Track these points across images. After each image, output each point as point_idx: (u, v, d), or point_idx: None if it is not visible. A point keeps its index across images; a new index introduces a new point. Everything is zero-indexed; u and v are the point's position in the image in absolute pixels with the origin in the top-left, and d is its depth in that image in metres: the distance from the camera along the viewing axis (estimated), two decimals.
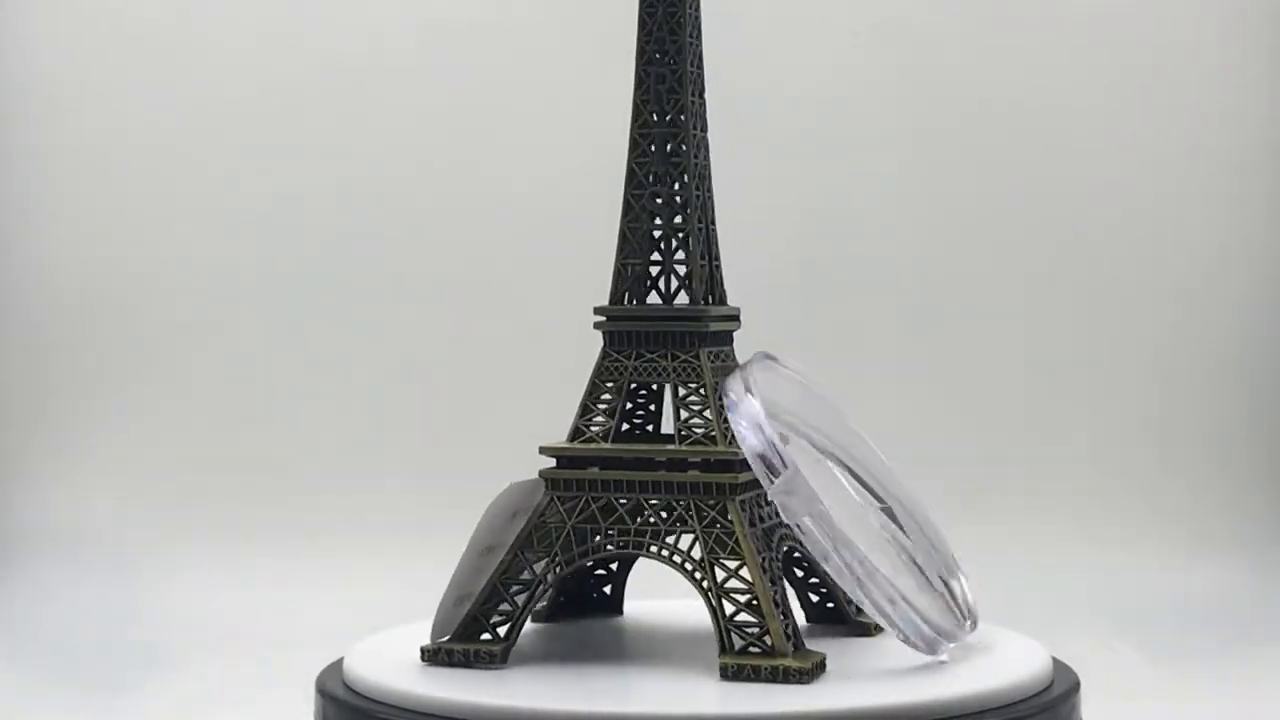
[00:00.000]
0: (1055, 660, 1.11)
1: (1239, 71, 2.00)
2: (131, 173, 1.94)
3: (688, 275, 1.12)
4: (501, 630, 1.08)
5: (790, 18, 1.94)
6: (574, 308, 1.88)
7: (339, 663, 1.12)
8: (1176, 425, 1.97)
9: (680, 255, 1.12)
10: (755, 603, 1.03)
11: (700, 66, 1.13)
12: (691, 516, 1.07)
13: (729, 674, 1.02)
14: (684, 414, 1.10)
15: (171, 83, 1.94)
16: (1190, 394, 1.98)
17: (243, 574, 1.83)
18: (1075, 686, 1.08)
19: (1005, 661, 1.08)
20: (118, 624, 1.74)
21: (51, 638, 1.72)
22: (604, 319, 1.13)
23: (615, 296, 1.13)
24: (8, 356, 1.93)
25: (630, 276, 1.12)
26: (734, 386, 1.05)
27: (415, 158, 1.95)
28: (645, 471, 1.09)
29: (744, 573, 1.05)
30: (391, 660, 1.09)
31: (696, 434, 1.09)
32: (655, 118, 1.13)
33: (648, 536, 1.08)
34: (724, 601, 1.04)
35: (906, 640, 1.06)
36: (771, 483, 1.02)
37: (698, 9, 1.13)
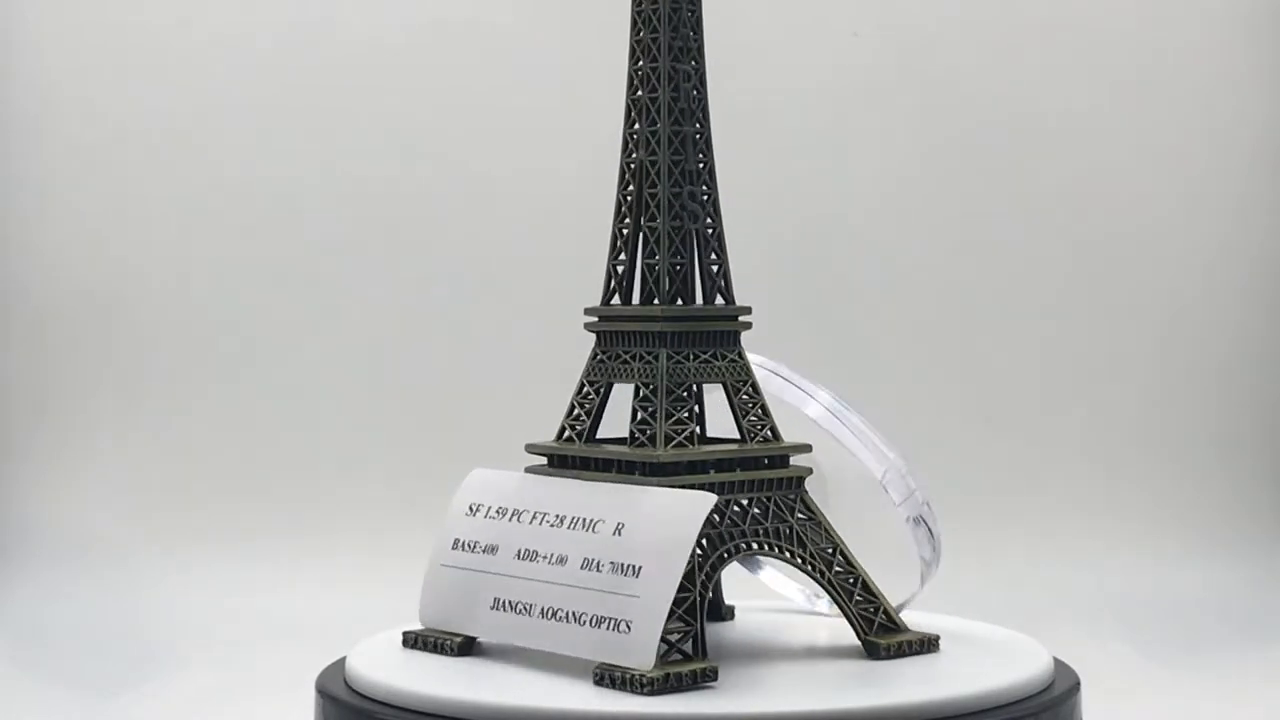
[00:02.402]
0: (1055, 660, 1.11)
1: (1241, 73, 2.00)
2: (131, 173, 1.94)
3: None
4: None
5: (790, 18, 1.93)
6: (575, 308, 1.88)
7: (339, 663, 1.12)
8: (1178, 425, 1.97)
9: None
10: (866, 585, 1.09)
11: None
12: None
13: (887, 653, 1.07)
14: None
15: (172, 82, 1.94)
16: (1191, 394, 1.98)
17: (243, 574, 1.83)
18: (1075, 686, 1.08)
19: (1005, 661, 1.08)
20: (118, 624, 1.74)
21: (52, 638, 1.72)
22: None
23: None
24: (8, 356, 1.93)
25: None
26: None
27: (415, 158, 1.95)
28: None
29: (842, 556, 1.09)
30: (391, 660, 1.09)
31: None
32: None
33: None
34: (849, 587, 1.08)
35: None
36: None
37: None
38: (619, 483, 1.07)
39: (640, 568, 1.03)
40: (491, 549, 1.10)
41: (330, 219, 1.94)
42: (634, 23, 1.13)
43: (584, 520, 1.07)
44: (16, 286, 1.94)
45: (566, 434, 1.13)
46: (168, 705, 1.54)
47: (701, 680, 1.00)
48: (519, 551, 1.08)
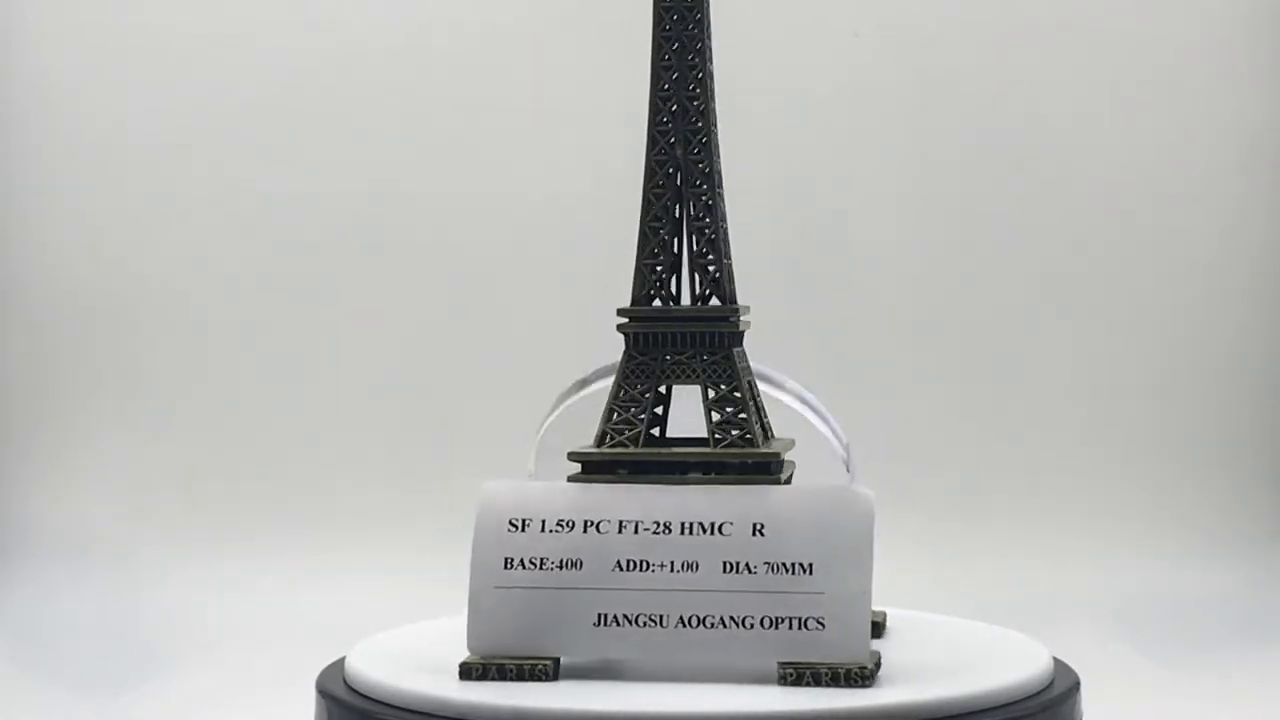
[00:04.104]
0: (1055, 660, 1.11)
1: (1241, 72, 2.00)
2: (131, 173, 1.94)
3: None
4: None
5: (789, 18, 1.93)
6: (576, 307, 1.89)
7: (339, 663, 1.12)
8: (1178, 425, 1.97)
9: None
10: None
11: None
12: None
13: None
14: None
15: (172, 82, 1.94)
16: (1191, 394, 1.98)
17: (243, 574, 1.83)
18: (1075, 686, 1.08)
19: (1005, 661, 1.08)
20: (118, 624, 1.74)
21: (52, 638, 1.72)
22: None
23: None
24: (8, 356, 1.93)
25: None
26: None
27: (415, 159, 1.95)
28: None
29: None
30: (392, 660, 1.09)
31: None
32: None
33: None
34: None
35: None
36: None
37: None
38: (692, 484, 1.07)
39: (811, 564, 1.02)
40: (573, 563, 1.04)
41: (330, 219, 1.94)
42: (658, 19, 1.12)
43: (701, 524, 1.04)
44: (16, 286, 1.94)
45: (614, 438, 1.09)
46: (168, 705, 1.54)
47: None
48: (619, 563, 1.04)
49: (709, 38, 1.11)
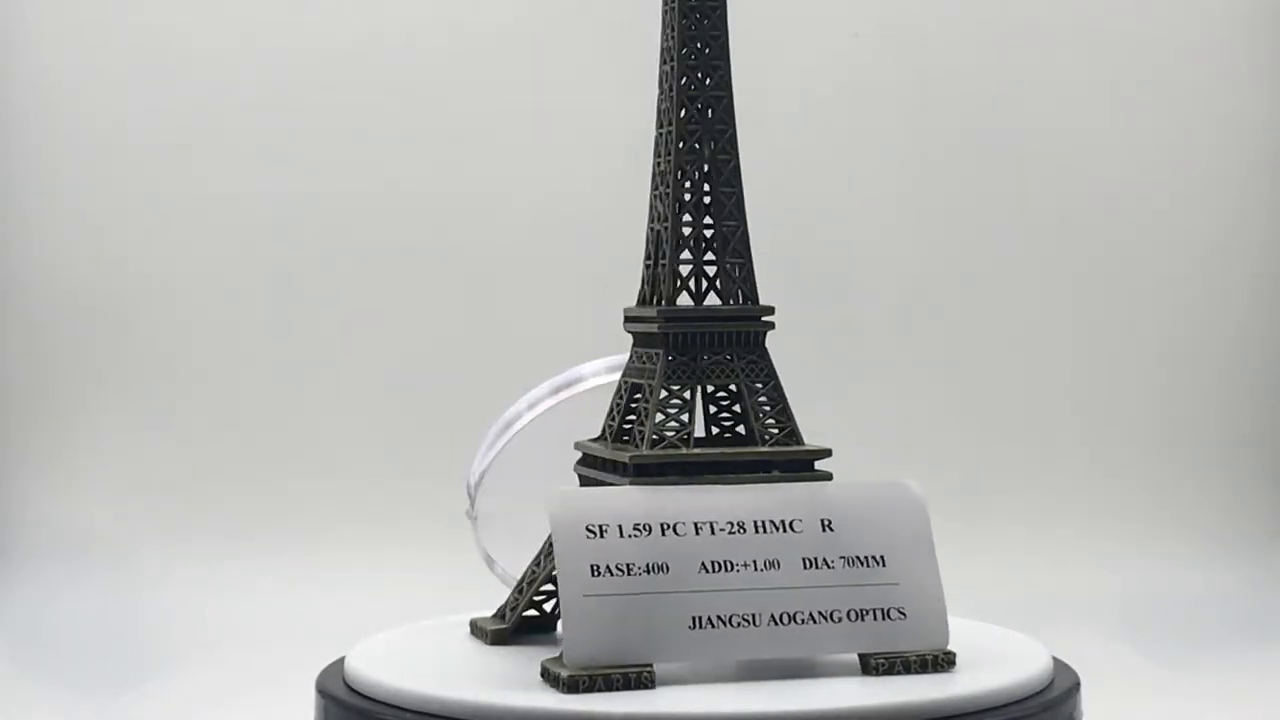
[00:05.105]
0: (1055, 660, 1.11)
1: (1241, 73, 2.00)
2: (131, 173, 1.94)
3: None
4: None
5: (790, 18, 1.93)
6: (577, 307, 1.89)
7: (339, 663, 1.12)
8: (1178, 425, 1.97)
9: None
10: None
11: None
12: None
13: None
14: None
15: (172, 82, 1.94)
16: (1192, 394, 1.98)
17: (243, 574, 1.83)
18: (1075, 686, 1.08)
19: (1005, 661, 1.08)
20: (118, 623, 1.74)
21: (52, 638, 1.72)
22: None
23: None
24: (8, 356, 1.93)
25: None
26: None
27: (415, 159, 1.95)
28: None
29: None
30: (392, 660, 1.09)
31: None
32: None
33: None
34: None
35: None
36: None
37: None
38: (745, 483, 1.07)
39: (883, 557, 1.05)
40: (659, 567, 1.02)
41: (330, 219, 1.94)
42: (662, 22, 1.12)
43: (772, 522, 1.05)
44: (16, 286, 1.94)
45: (664, 440, 1.08)
46: (168, 705, 1.54)
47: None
48: (703, 565, 1.03)
49: (728, 37, 1.12)
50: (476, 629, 1.16)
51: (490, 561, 1.24)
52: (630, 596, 1.01)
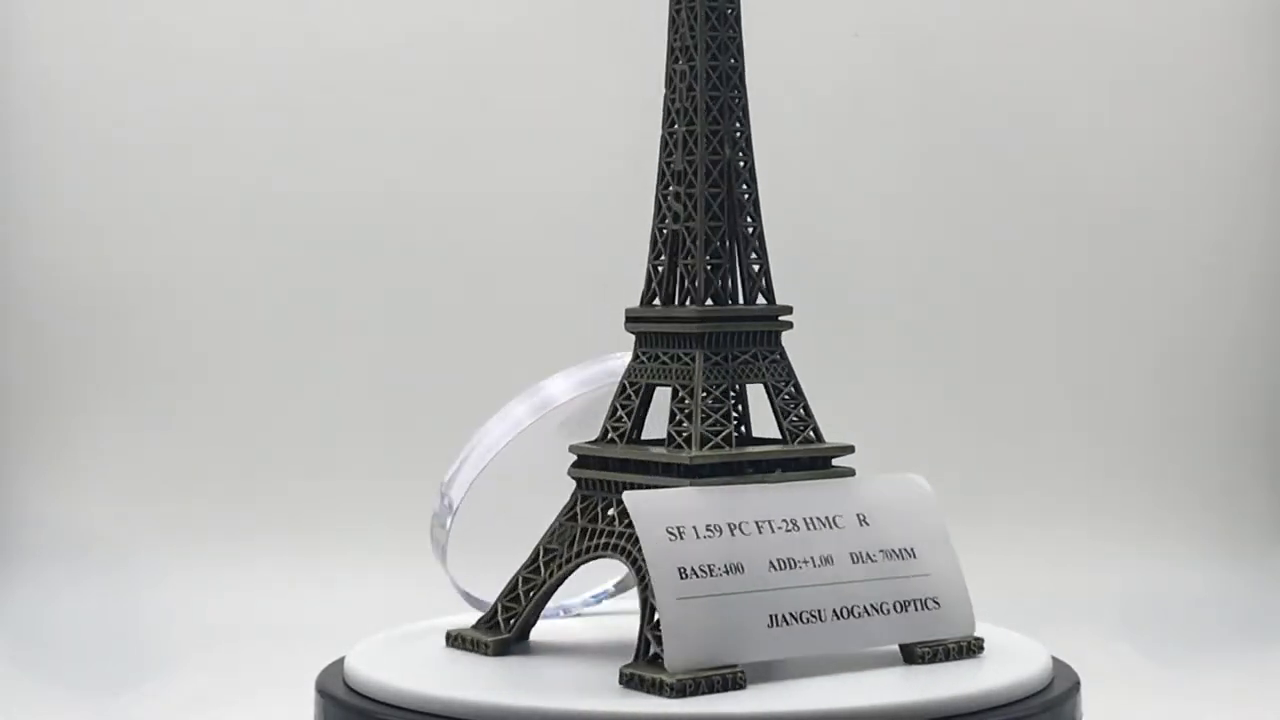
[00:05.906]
0: (1055, 660, 1.11)
1: (1241, 73, 2.00)
2: (131, 173, 1.94)
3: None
4: None
5: (790, 18, 1.93)
6: (578, 307, 1.89)
7: (339, 663, 1.12)
8: (1178, 425, 1.97)
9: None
10: None
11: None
12: None
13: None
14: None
15: (172, 82, 1.94)
16: (1192, 393, 1.98)
17: (242, 574, 1.83)
18: (1075, 686, 1.08)
19: (1005, 661, 1.08)
20: (118, 623, 1.74)
21: (52, 638, 1.72)
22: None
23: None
24: (8, 356, 1.93)
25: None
26: None
27: (415, 159, 1.95)
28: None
29: None
30: (392, 660, 1.09)
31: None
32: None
33: None
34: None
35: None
36: None
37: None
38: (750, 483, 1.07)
39: (913, 548, 1.09)
40: (735, 568, 1.03)
41: (330, 219, 1.94)
42: (672, 20, 1.12)
43: (819, 519, 1.07)
44: (16, 286, 1.94)
45: (711, 441, 1.08)
46: (168, 705, 1.54)
47: None
48: (772, 563, 1.04)
49: (734, 38, 1.12)
50: (463, 640, 1.14)
51: (454, 581, 1.22)
52: (716, 598, 1.02)
